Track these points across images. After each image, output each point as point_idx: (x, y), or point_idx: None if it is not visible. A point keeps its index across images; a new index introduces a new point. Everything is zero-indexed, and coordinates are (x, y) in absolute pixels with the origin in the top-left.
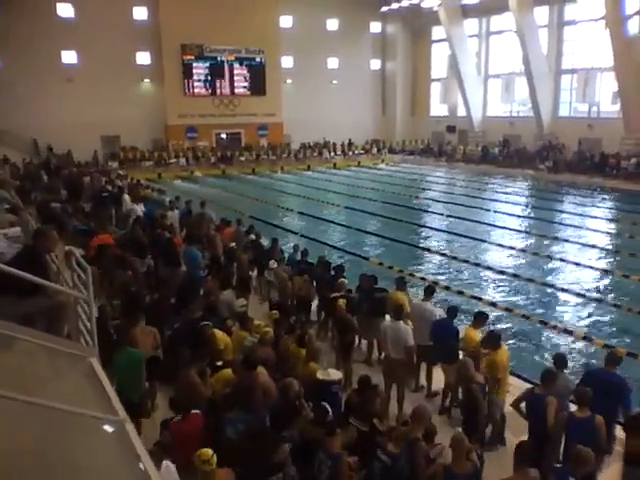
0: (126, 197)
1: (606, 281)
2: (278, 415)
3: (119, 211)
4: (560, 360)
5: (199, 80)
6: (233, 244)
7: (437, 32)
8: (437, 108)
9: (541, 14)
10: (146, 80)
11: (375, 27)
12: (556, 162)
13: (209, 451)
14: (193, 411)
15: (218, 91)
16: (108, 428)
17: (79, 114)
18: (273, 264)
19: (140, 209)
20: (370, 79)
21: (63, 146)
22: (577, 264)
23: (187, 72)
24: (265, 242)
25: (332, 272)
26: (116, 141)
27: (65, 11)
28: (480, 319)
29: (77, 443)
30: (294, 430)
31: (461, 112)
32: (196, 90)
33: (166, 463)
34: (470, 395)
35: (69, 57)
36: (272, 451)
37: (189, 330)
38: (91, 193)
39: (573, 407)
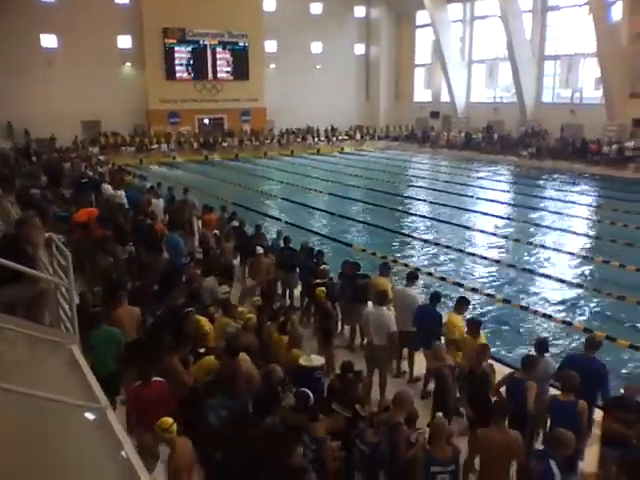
0: (105, 186)
1: (587, 267)
2: (261, 401)
3: (99, 197)
4: (541, 344)
5: (181, 64)
6: (216, 231)
7: (421, 17)
8: (421, 94)
9: None
10: (127, 64)
11: (359, 11)
12: (539, 148)
13: (169, 420)
14: (155, 378)
15: (200, 75)
16: (89, 416)
17: (59, 99)
18: (259, 250)
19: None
20: (354, 64)
21: (43, 131)
22: (558, 250)
23: (169, 56)
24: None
25: (314, 259)
26: (97, 126)
27: None
28: (462, 304)
29: (58, 431)
30: (276, 417)
31: (445, 98)
32: (178, 74)
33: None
34: (440, 378)
35: (49, 41)
36: (287, 454)
37: (172, 317)
38: (71, 179)
39: (553, 391)
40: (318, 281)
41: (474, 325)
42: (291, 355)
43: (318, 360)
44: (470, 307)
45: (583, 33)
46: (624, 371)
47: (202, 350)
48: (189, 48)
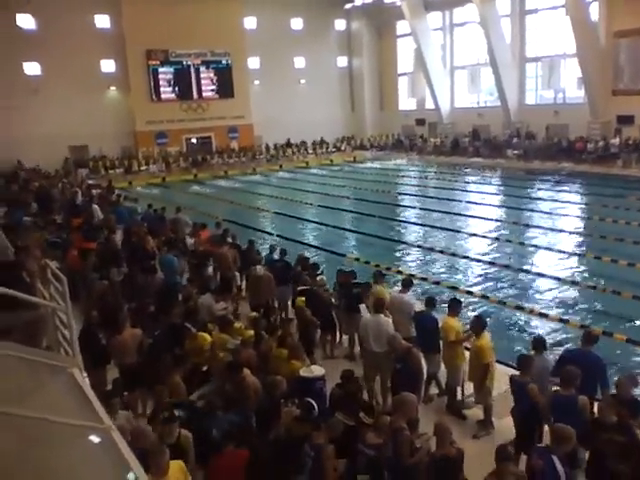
0: (95, 207)
1: (579, 263)
2: (264, 414)
3: (91, 221)
4: (538, 342)
5: (166, 85)
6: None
7: (401, 27)
8: (406, 102)
9: (503, 4)
10: (112, 88)
11: (340, 24)
12: (526, 150)
13: None
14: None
15: (186, 95)
16: (94, 438)
17: (45, 125)
18: (259, 271)
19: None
20: (338, 76)
21: (30, 158)
22: (550, 249)
23: (153, 78)
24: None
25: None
26: (84, 150)
27: (25, 22)
28: (455, 306)
29: (64, 454)
30: (280, 428)
31: (429, 105)
32: (163, 96)
33: None
34: (412, 357)
35: (32, 68)
36: None
37: (170, 336)
38: (62, 204)
39: (554, 389)
40: (300, 289)
41: (477, 323)
42: (291, 367)
43: (318, 370)
44: (466, 309)
45: (562, 34)
46: (622, 365)
47: (205, 368)
48: (172, 69)
